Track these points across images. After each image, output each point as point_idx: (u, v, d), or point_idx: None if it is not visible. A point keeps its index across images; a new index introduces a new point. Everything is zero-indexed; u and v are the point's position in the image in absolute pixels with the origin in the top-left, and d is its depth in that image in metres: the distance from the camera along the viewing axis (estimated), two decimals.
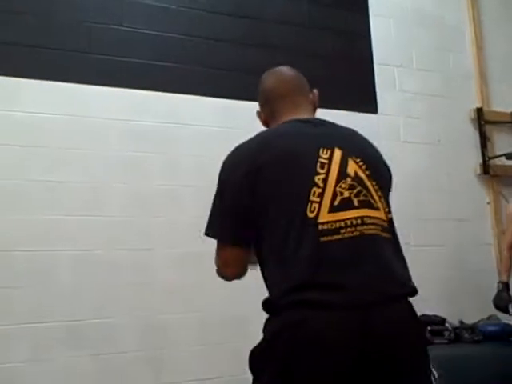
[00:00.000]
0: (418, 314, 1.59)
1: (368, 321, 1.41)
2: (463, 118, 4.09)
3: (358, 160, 1.58)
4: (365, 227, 1.49)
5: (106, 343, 2.84)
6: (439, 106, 4.00)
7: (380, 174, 1.65)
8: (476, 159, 4.06)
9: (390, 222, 1.60)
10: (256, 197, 1.55)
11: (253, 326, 3.07)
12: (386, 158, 1.79)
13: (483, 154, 4.05)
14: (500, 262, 3.63)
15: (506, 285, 3.42)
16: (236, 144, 3.39)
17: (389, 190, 1.69)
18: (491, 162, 4.04)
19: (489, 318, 3.55)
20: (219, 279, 3.07)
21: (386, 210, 1.59)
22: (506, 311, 3.40)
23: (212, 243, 3.10)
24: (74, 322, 2.79)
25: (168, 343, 2.96)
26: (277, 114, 1.76)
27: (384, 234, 1.54)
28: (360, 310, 1.41)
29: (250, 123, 3.31)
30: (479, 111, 4.08)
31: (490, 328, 3.44)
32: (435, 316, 3.36)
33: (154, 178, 3.08)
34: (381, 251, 1.51)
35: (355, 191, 1.52)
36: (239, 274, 1.74)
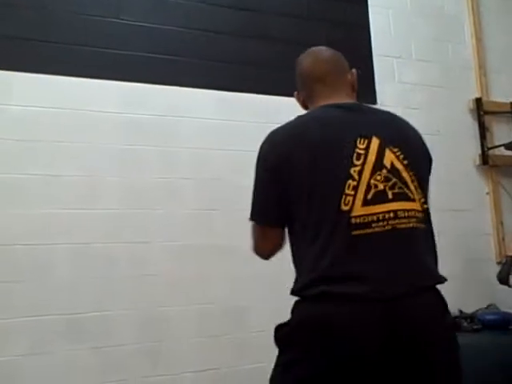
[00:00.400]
0: None
1: (393, 313, 1.42)
2: (462, 109, 4.09)
3: (396, 150, 1.56)
4: (397, 221, 1.49)
5: (105, 336, 2.85)
6: (438, 97, 4.00)
7: (419, 162, 1.64)
8: (475, 149, 4.06)
9: (426, 211, 1.60)
10: (290, 186, 1.55)
11: (252, 318, 3.12)
12: None
13: (482, 145, 4.05)
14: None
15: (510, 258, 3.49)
16: (235, 137, 3.41)
17: (428, 177, 1.70)
18: (490, 152, 4.04)
19: (488, 307, 3.57)
20: (218, 272, 3.12)
21: (423, 200, 1.59)
22: (506, 283, 3.43)
23: (211, 236, 3.12)
24: (73, 315, 2.80)
25: (166, 335, 2.97)
26: (314, 97, 1.72)
27: (417, 225, 1.54)
28: (385, 303, 1.42)
29: (249, 115, 3.34)
30: (478, 101, 4.08)
31: (489, 317, 3.45)
32: None
33: (151, 170, 3.08)
34: (411, 245, 1.52)
35: (390, 183, 1.51)
36: (275, 251, 1.72)
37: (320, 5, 3.73)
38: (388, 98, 3.81)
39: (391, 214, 1.48)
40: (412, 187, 1.55)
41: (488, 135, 4.08)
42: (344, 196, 1.47)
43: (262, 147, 1.66)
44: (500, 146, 3.97)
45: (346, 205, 1.47)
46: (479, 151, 4.05)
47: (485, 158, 4.02)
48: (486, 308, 3.55)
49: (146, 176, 3.06)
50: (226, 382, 3.02)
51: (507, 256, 3.52)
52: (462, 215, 3.88)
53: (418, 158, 1.64)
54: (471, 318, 3.46)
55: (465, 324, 3.42)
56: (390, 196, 1.50)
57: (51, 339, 2.76)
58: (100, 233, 2.92)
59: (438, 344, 1.48)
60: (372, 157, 1.52)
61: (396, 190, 1.51)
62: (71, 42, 3.01)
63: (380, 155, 1.53)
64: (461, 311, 3.51)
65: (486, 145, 4.04)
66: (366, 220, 1.46)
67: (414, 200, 1.54)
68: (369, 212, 1.47)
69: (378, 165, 1.52)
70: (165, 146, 3.13)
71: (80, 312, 2.82)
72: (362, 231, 1.46)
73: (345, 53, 3.63)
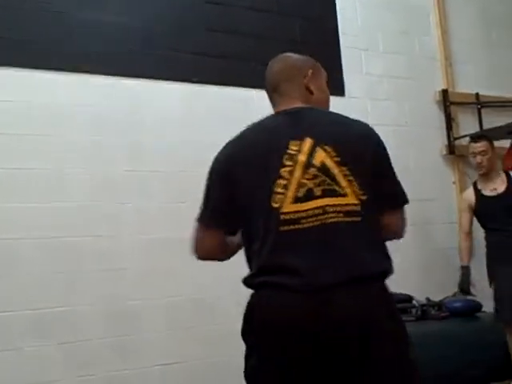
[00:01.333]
0: None
1: (321, 304, 1.48)
2: (429, 100, 4.15)
3: (328, 147, 1.61)
4: (326, 216, 1.55)
5: (73, 331, 2.84)
6: (405, 88, 4.05)
7: (355, 157, 1.64)
8: (442, 140, 4.13)
9: (364, 204, 1.60)
10: (233, 193, 1.63)
11: (221, 311, 3.13)
12: None
13: (448, 135, 4.12)
14: (460, 249, 3.70)
15: (467, 268, 3.57)
16: (202, 129, 3.38)
17: (372, 170, 1.66)
18: (456, 142, 4.12)
19: (454, 294, 3.64)
20: (188, 265, 3.08)
21: (360, 192, 1.60)
22: (468, 293, 3.53)
23: (180, 229, 3.11)
24: (40, 310, 2.78)
25: (135, 329, 2.97)
26: (273, 105, 1.82)
27: (348, 219, 1.57)
28: (316, 294, 1.48)
29: (216, 108, 3.34)
30: (444, 93, 4.14)
31: (456, 304, 3.52)
32: (402, 294, 3.42)
33: (120, 163, 3.07)
34: (340, 238, 1.56)
35: (318, 181, 1.57)
36: (213, 255, 1.77)
37: None
38: (356, 89, 3.85)
39: (320, 210, 1.55)
40: (343, 183, 1.60)
41: (454, 126, 4.14)
42: (274, 194, 1.57)
43: (215, 157, 1.74)
44: (466, 136, 4.03)
45: (276, 203, 1.56)
46: (445, 141, 4.12)
47: (451, 148, 4.10)
48: (452, 296, 3.62)
49: (114, 169, 3.05)
50: (195, 375, 3.03)
51: (462, 267, 3.60)
52: (429, 204, 3.94)
53: (355, 155, 1.66)
54: (439, 305, 3.53)
55: (432, 312, 3.48)
56: (319, 193, 1.57)
57: (18, 335, 2.73)
58: (66, 226, 2.90)
59: (374, 334, 1.51)
60: (303, 157, 1.60)
61: (324, 187, 1.58)
62: (35, 34, 2.96)
63: (311, 155, 1.61)
64: (428, 299, 3.57)
65: (452, 135, 4.11)
66: (295, 216, 1.54)
67: (345, 195, 1.59)
68: (298, 209, 1.55)
69: (308, 164, 1.60)
70: (133, 138, 3.12)
71: (47, 307, 2.79)
72: (292, 227, 1.54)
73: (313, 45, 3.70)
